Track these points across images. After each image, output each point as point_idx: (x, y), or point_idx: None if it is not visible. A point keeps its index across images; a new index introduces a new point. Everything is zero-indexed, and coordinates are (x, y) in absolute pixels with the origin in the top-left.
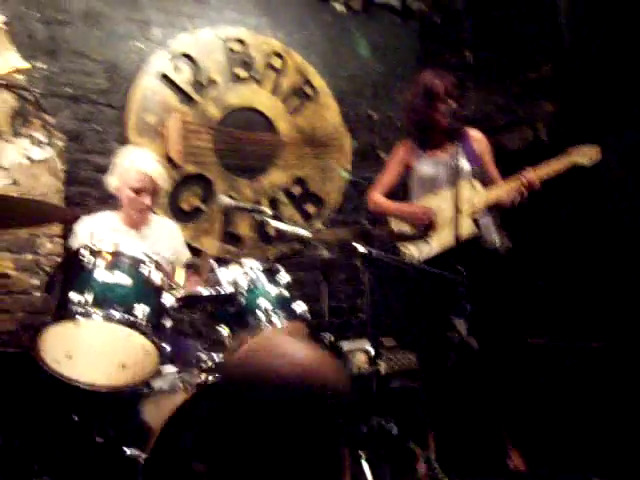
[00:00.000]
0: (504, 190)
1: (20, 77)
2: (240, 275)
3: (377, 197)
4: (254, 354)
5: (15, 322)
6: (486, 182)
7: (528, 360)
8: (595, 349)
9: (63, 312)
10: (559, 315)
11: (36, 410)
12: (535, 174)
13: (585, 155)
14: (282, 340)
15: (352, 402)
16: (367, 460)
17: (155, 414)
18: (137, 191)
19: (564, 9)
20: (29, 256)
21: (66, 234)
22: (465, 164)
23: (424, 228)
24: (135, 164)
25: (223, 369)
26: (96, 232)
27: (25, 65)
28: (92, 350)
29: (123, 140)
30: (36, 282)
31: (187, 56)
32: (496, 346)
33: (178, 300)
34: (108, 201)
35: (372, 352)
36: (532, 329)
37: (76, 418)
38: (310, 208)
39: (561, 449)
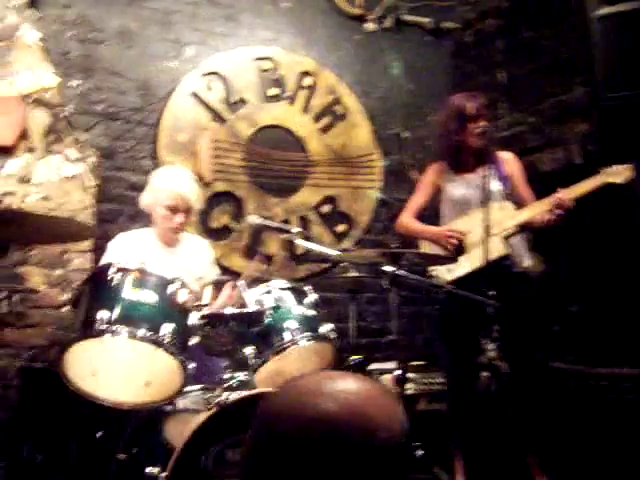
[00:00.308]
0: (535, 211)
1: (52, 94)
2: (266, 294)
3: (406, 219)
4: (298, 392)
5: (44, 337)
6: (518, 203)
7: (557, 384)
8: (629, 376)
9: (89, 329)
10: (592, 340)
11: (60, 426)
12: (567, 194)
13: (619, 174)
14: (327, 377)
15: (407, 444)
16: None
17: (177, 433)
18: (170, 209)
19: (595, 33)
20: (59, 271)
21: (96, 250)
22: (496, 185)
23: (455, 249)
24: (169, 183)
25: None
26: (129, 249)
27: (52, 84)
28: (117, 368)
29: (155, 158)
30: (65, 297)
31: (219, 75)
32: (525, 369)
33: (202, 318)
34: (139, 218)
35: (398, 374)
36: (563, 353)
37: (99, 435)
38: (340, 227)
39: (589, 476)
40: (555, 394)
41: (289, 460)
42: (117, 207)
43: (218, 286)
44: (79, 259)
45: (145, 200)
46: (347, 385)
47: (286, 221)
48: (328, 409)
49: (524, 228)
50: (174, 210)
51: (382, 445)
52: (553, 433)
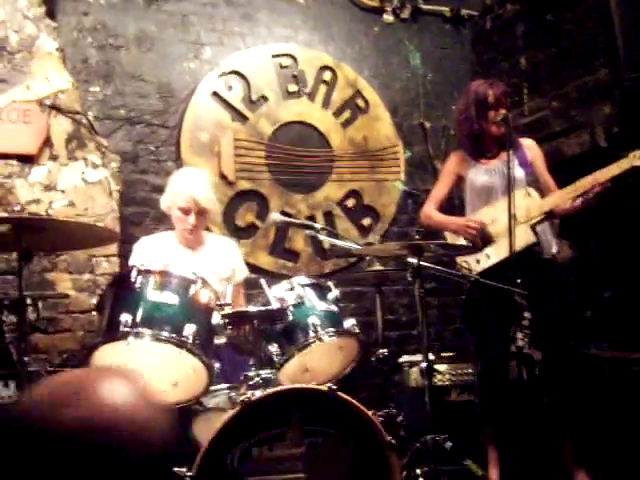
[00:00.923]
0: (561, 197)
1: (73, 100)
2: (287, 291)
3: (429, 210)
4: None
5: (75, 341)
6: (540, 190)
7: (592, 372)
8: None
9: (114, 332)
10: (625, 325)
11: None
12: (594, 179)
13: None
14: (91, 379)
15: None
16: (424, 477)
17: (205, 432)
18: (183, 211)
19: (616, 13)
20: (87, 276)
21: (122, 253)
22: (519, 171)
23: (481, 239)
24: (182, 186)
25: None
26: (152, 252)
27: (65, 87)
28: (143, 369)
29: (178, 159)
30: (94, 301)
31: (238, 74)
32: (558, 357)
33: (225, 317)
34: (165, 220)
35: (424, 365)
36: (596, 339)
37: None
38: (365, 221)
39: (629, 467)
40: (590, 381)
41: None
42: (142, 210)
43: (246, 285)
44: (106, 263)
45: (164, 202)
46: (105, 393)
47: (311, 217)
48: (82, 417)
49: (551, 215)
50: (187, 212)
51: (130, 462)
52: (589, 421)
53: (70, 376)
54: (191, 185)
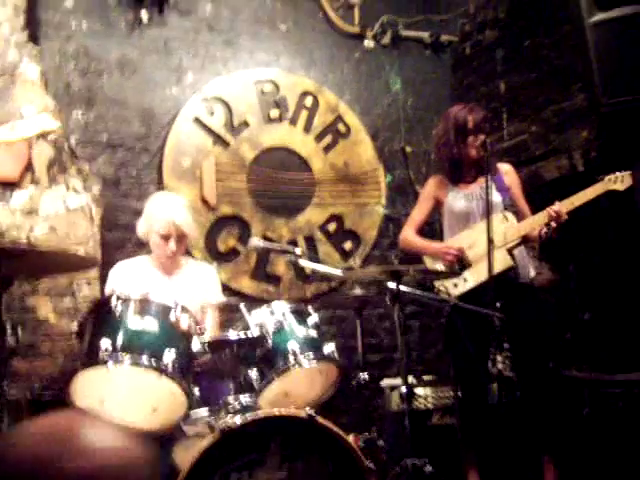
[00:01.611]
0: (535, 222)
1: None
2: (267, 317)
3: (408, 235)
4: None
5: (56, 366)
6: (517, 214)
7: (572, 393)
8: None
9: (94, 358)
10: (604, 347)
11: None
12: (563, 205)
13: (619, 181)
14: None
15: None
16: None
17: (184, 458)
18: (163, 237)
19: (591, 40)
20: (68, 300)
21: (103, 278)
22: (497, 196)
23: (459, 264)
24: (161, 211)
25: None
26: (129, 277)
27: (53, 127)
28: (123, 395)
29: (159, 184)
30: (75, 326)
31: (220, 99)
32: (537, 379)
33: (205, 344)
34: (146, 245)
35: (404, 390)
36: (575, 361)
37: None
38: (347, 245)
39: None
40: (569, 403)
41: None
42: (124, 235)
43: (224, 309)
44: (87, 287)
45: (140, 228)
46: (97, 441)
47: (293, 241)
48: (78, 469)
49: (526, 240)
50: (167, 237)
51: None
52: (569, 442)
53: (49, 428)
54: (170, 210)
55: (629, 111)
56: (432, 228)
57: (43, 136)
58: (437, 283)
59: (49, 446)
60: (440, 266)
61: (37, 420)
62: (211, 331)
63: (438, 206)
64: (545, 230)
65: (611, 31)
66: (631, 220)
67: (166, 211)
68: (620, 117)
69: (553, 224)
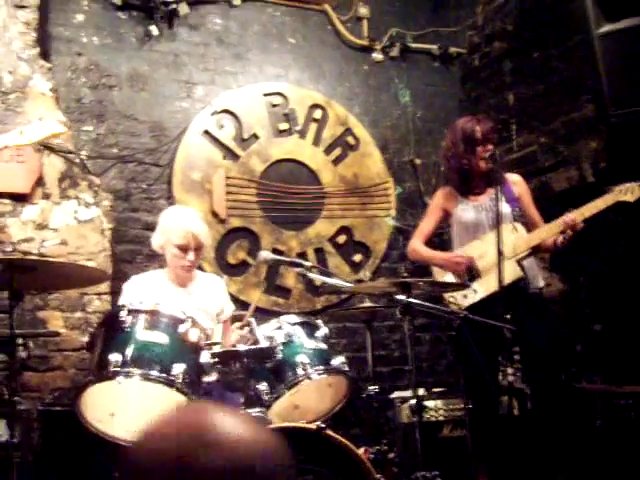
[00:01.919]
0: (546, 232)
1: (66, 139)
2: (276, 330)
3: (416, 245)
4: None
5: (67, 379)
6: (527, 225)
7: (584, 405)
8: None
9: (104, 371)
10: (615, 358)
11: (81, 468)
12: (577, 215)
13: (629, 192)
14: (203, 421)
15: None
16: None
17: None
18: (181, 248)
19: (600, 51)
20: (78, 314)
21: (114, 291)
22: (506, 207)
23: (469, 275)
24: (179, 222)
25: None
26: (143, 290)
27: (60, 130)
28: (133, 408)
29: (169, 197)
30: (85, 339)
31: (230, 112)
32: (547, 391)
33: (214, 356)
34: (157, 257)
35: (414, 402)
36: (587, 373)
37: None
38: (356, 257)
39: None
40: (581, 414)
41: None
42: (135, 247)
43: (235, 322)
44: (98, 301)
45: (156, 241)
46: (230, 432)
47: (302, 253)
48: (215, 465)
49: (537, 250)
50: (185, 249)
51: None
52: (580, 454)
53: (182, 425)
54: (187, 221)
55: (638, 122)
56: (441, 239)
57: (54, 149)
58: (447, 294)
59: (188, 443)
60: (449, 277)
61: (166, 418)
62: (227, 342)
63: (447, 217)
64: (561, 239)
65: (619, 42)
66: None
67: (183, 222)
68: (629, 128)
69: (569, 232)
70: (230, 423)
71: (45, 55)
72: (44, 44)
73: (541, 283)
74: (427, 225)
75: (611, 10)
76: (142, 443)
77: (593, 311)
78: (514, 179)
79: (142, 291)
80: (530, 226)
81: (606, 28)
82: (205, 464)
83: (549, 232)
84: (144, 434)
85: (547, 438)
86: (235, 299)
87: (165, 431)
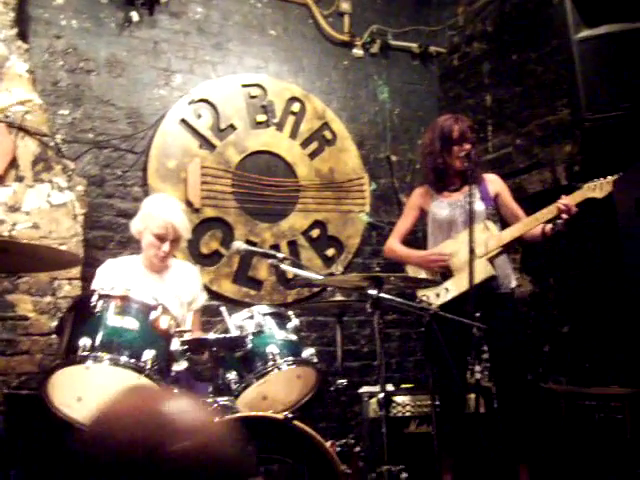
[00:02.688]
0: (518, 230)
1: (40, 122)
2: (247, 320)
3: (392, 243)
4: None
5: (34, 364)
6: (508, 221)
7: (549, 405)
8: (617, 395)
9: (72, 356)
10: (581, 359)
11: (47, 452)
12: (548, 211)
13: (597, 188)
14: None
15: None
16: None
17: None
18: (159, 237)
19: (577, 55)
20: (48, 298)
21: (85, 277)
22: (480, 205)
23: (441, 273)
24: (160, 211)
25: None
26: (117, 275)
27: (27, 97)
28: (101, 394)
29: (144, 185)
30: (55, 324)
31: (208, 102)
32: (514, 390)
33: (184, 344)
34: (129, 245)
35: (381, 397)
36: (553, 373)
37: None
38: (330, 251)
39: None
40: (546, 414)
41: None
42: (107, 234)
43: (206, 312)
44: (69, 286)
45: (135, 226)
46: (191, 419)
47: (276, 246)
48: (180, 450)
49: (509, 248)
50: (162, 238)
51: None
52: (544, 453)
53: (136, 406)
54: (169, 212)
55: (612, 127)
56: (415, 237)
57: (28, 132)
58: (420, 293)
59: (144, 425)
60: (422, 275)
61: (121, 400)
62: (193, 332)
63: (423, 216)
64: (550, 227)
65: (597, 48)
66: (610, 232)
67: (165, 212)
68: (603, 132)
69: (564, 216)
70: (187, 408)
71: (23, 36)
72: (22, 25)
73: (513, 283)
74: (404, 224)
75: (590, 16)
76: (98, 424)
77: (561, 313)
78: (490, 178)
79: (116, 275)
80: (512, 221)
81: (585, 33)
82: (162, 447)
83: (539, 219)
84: (100, 415)
85: (512, 435)
86: (207, 289)
87: (121, 413)
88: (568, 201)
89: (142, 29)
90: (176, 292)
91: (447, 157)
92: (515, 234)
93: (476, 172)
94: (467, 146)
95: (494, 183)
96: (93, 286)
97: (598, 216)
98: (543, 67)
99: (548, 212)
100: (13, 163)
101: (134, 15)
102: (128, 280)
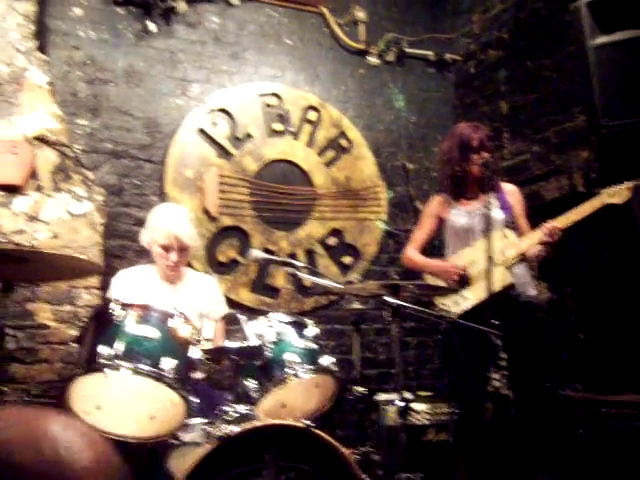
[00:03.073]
0: (536, 238)
1: (59, 133)
2: (266, 328)
3: (410, 252)
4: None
5: (54, 372)
6: (516, 232)
7: (567, 413)
8: (635, 403)
9: (93, 364)
10: (599, 367)
11: None
12: (559, 222)
13: (616, 194)
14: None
15: None
16: None
17: (181, 466)
18: (164, 248)
19: (593, 61)
20: (67, 307)
21: (104, 286)
22: (498, 214)
23: (459, 282)
24: (163, 222)
25: None
26: (131, 285)
27: (55, 127)
28: (121, 402)
29: (162, 194)
30: (74, 333)
31: (225, 111)
32: (533, 398)
33: (204, 353)
34: (147, 254)
35: (401, 405)
36: (571, 381)
37: None
38: (346, 259)
39: None
40: (564, 422)
41: None
42: (125, 243)
43: (225, 321)
44: (87, 295)
45: (144, 237)
46: (61, 435)
47: (293, 254)
48: (38, 465)
49: (525, 257)
50: (168, 249)
51: None
52: (562, 460)
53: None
54: (172, 222)
55: (629, 133)
56: (432, 245)
57: (48, 142)
58: (438, 301)
59: (14, 439)
60: (441, 282)
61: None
62: (217, 341)
63: (440, 224)
64: (539, 249)
65: (613, 54)
66: (629, 239)
67: (167, 223)
68: (620, 139)
69: (548, 239)
70: (63, 426)
71: (42, 48)
72: (41, 37)
73: (532, 291)
74: (421, 233)
75: (606, 22)
76: None
77: (578, 320)
78: (509, 189)
79: (130, 286)
80: (519, 235)
81: (600, 40)
82: (26, 463)
83: (533, 240)
84: None
85: (530, 444)
86: (224, 298)
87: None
88: (554, 224)
89: (159, 39)
90: (191, 302)
91: (466, 165)
92: (533, 242)
93: (494, 180)
94: (485, 154)
95: (512, 195)
96: (109, 295)
97: (616, 222)
98: (559, 74)
99: (537, 235)
100: (33, 173)
101: (151, 26)
102: (143, 290)
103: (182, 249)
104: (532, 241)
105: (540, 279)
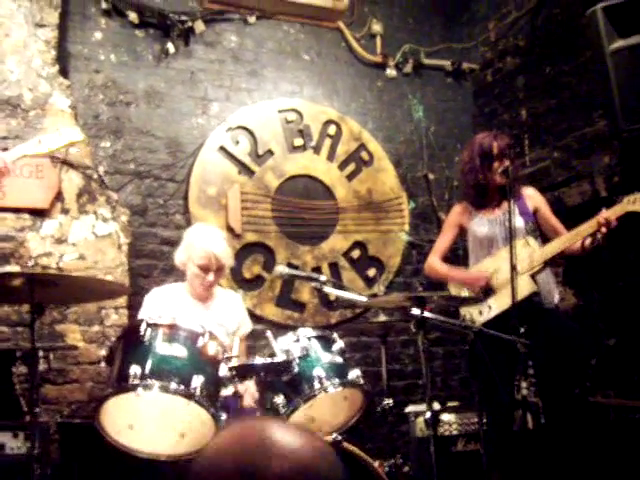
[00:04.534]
0: (560, 245)
1: (83, 155)
2: (293, 343)
3: (433, 262)
4: (235, 446)
5: (84, 392)
6: (548, 235)
7: (598, 419)
8: None
9: (123, 384)
10: (629, 372)
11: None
12: (589, 225)
13: (637, 201)
14: (273, 430)
15: None
16: None
17: None
18: (202, 268)
19: (612, 66)
20: (96, 327)
21: (131, 305)
22: (519, 221)
23: (484, 290)
24: (202, 242)
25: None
26: (163, 303)
27: (78, 138)
28: (152, 420)
29: (186, 212)
30: (103, 353)
31: (245, 129)
32: (561, 406)
33: (231, 369)
34: (173, 272)
35: (428, 416)
36: (601, 387)
37: None
38: (370, 272)
39: None
40: (596, 428)
41: None
42: (151, 262)
43: (250, 336)
44: (115, 315)
45: (179, 258)
46: (290, 440)
47: (317, 268)
48: (282, 471)
49: (552, 262)
50: (206, 269)
51: None
52: (595, 467)
53: (244, 432)
54: (210, 242)
55: None
56: (455, 254)
57: (72, 165)
58: (462, 311)
59: (247, 455)
60: (464, 292)
61: (226, 431)
62: (240, 358)
63: (462, 233)
64: (590, 240)
65: (631, 58)
66: None
67: (206, 242)
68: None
69: (603, 230)
70: (288, 433)
71: (64, 72)
72: (63, 62)
73: (557, 298)
74: (443, 242)
75: (623, 26)
76: (203, 459)
77: (607, 325)
78: (528, 192)
79: (163, 303)
80: (551, 235)
81: (618, 44)
82: (266, 475)
83: (561, 245)
84: (205, 450)
85: (561, 452)
86: (250, 313)
87: (224, 446)
88: (608, 214)
89: (178, 60)
90: (220, 320)
91: (487, 173)
92: (557, 249)
93: (515, 188)
94: (506, 162)
95: (533, 198)
96: (141, 314)
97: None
98: (577, 79)
99: (589, 226)
100: (59, 196)
101: (170, 47)
102: (174, 309)
103: (219, 269)
104: (558, 246)
105: (565, 284)
